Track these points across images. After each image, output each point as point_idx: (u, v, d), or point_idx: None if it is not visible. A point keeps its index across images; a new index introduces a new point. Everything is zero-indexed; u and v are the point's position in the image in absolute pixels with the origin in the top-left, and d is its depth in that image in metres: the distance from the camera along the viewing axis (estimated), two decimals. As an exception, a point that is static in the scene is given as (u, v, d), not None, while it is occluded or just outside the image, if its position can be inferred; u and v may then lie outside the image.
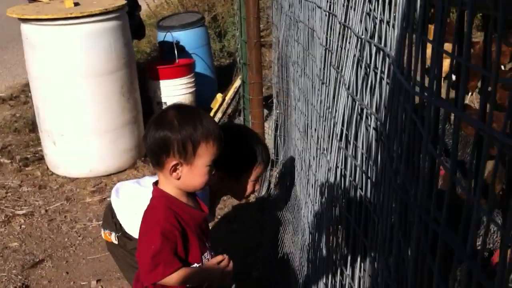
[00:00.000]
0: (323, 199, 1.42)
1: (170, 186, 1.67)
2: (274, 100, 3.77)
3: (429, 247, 0.55)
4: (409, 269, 0.59)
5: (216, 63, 6.39)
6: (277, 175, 3.60)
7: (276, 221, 3.14)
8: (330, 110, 1.26)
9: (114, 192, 2.25)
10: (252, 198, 3.76)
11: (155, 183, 1.73)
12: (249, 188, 2.13)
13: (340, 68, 1.18)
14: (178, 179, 1.63)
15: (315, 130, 1.68)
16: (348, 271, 1.16)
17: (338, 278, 1.26)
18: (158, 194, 1.69)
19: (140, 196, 2.08)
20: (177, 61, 4.90)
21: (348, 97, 1.05)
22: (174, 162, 1.60)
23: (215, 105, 4.68)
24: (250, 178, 2.10)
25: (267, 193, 3.63)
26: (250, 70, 3.73)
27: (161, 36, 5.30)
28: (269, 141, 4.04)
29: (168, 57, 5.02)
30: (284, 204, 3.08)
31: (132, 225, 2.11)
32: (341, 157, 1.14)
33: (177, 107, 1.71)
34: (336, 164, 1.18)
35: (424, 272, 0.57)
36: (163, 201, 1.67)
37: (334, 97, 1.24)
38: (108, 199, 3.90)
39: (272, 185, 3.61)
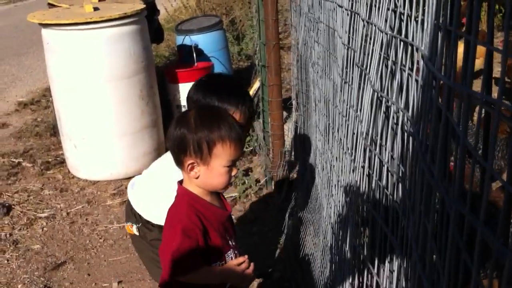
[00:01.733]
0: (347, 199, 1.41)
1: (192, 185, 1.69)
2: (294, 102, 3.76)
3: (465, 243, 0.54)
4: (445, 268, 0.58)
5: (234, 66, 6.41)
6: (297, 177, 3.59)
7: (296, 223, 3.13)
8: (354, 108, 1.25)
9: (130, 186, 2.32)
10: (271, 200, 3.76)
11: (180, 182, 1.75)
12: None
13: (364, 66, 1.18)
14: (197, 178, 1.64)
15: (338, 130, 1.67)
16: (375, 270, 1.15)
17: (364, 278, 1.25)
18: (181, 192, 1.71)
19: (149, 181, 2.18)
20: (195, 64, 4.92)
21: (373, 95, 1.04)
22: (190, 161, 1.62)
23: (234, 107, 4.68)
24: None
25: (287, 195, 3.62)
26: (269, 72, 3.72)
27: (180, 39, 5.33)
28: (288, 142, 4.03)
29: (187, 61, 5.04)
30: (304, 205, 3.07)
31: (147, 209, 2.18)
32: (366, 156, 1.13)
33: (199, 108, 1.72)
34: (361, 164, 1.18)
35: (459, 269, 0.56)
36: (185, 199, 1.68)
37: (358, 96, 1.23)
38: (128, 201, 3.94)
39: (292, 187, 3.60)
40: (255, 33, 4.34)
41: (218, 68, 5.29)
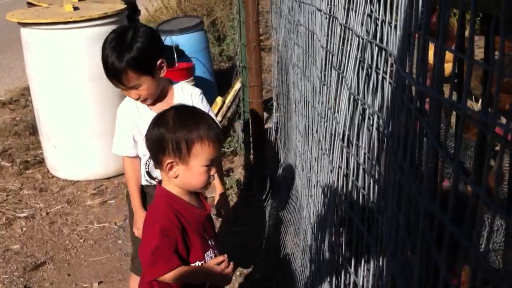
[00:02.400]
0: (326, 199, 1.43)
1: (171, 185, 1.70)
2: (274, 103, 3.79)
3: (435, 240, 0.57)
4: (416, 264, 0.61)
5: (215, 67, 6.42)
6: (278, 177, 3.62)
7: (277, 223, 3.16)
8: (332, 110, 1.28)
9: None
10: (252, 199, 3.78)
11: (159, 182, 1.76)
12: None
13: (341, 69, 1.20)
14: (176, 177, 1.65)
15: (317, 131, 1.70)
16: (352, 269, 1.18)
17: (342, 277, 1.27)
18: (160, 192, 1.73)
19: None
20: (176, 65, 4.91)
21: (350, 97, 1.07)
22: (169, 161, 1.63)
23: (215, 108, 4.70)
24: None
25: (268, 195, 3.65)
26: (250, 74, 3.74)
27: (161, 40, 5.31)
28: (269, 143, 4.05)
29: (168, 61, 5.00)
30: (285, 205, 3.09)
31: None
32: (344, 157, 1.16)
33: (178, 108, 1.74)
34: (339, 164, 1.20)
35: (430, 265, 0.58)
36: (164, 199, 1.70)
37: (336, 98, 1.25)
38: (109, 201, 3.93)
39: (273, 187, 3.62)
40: (236, 34, 4.36)
41: (199, 69, 5.30)
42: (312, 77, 2.02)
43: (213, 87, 5.60)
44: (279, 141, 3.71)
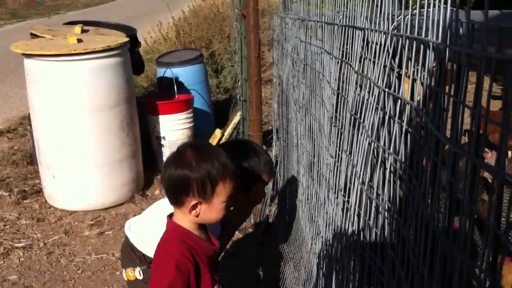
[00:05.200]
0: (338, 240, 1.46)
1: (185, 221, 1.72)
2: (274, 137, 3.84)
3: None
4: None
5: (212, 98, 6.49)
6: (276, 210, 3.65)
7: (276, 256, 3.17)
8: (347, 153, 1.32)
9: (127, 229, 2.28)
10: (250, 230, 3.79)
11: (170, 216, 1.77)
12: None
13: (357, 114, 1.25)
14: (197, 216, 1.68)
15: (325, 169, 1.74)
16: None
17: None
18: (172, 227, 1.74)
19: (154, 220, 2.15)
20: (176, 96, 4.98)
21: (368, 143, 1.11)
22: (194, 202, 1.65)
23: (213, 140, 4.75)
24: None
25: (267, 228, 3.67)
26: (250, 107, 3.81)
27: (161, 72, 5.39)
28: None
29: (168, 93, 5.10)
30: (284, 239, 3.11)
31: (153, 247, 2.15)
32: (359, 200, 1.19)
33: (194, 146, 1.75)
34: (354, 206, 1.24)
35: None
36: (176, 234, 1.71)
37: (351, 141, 1.30)
38: (106, 232, 3.93)
39: (271, 220, 3.65)
40: (234, 66, 4.44)
41: (198, 101, 5.36)
42: (318, 115, 2.07)
43: (211, 118, 5.66)
44: (278, 174, 3.75)
